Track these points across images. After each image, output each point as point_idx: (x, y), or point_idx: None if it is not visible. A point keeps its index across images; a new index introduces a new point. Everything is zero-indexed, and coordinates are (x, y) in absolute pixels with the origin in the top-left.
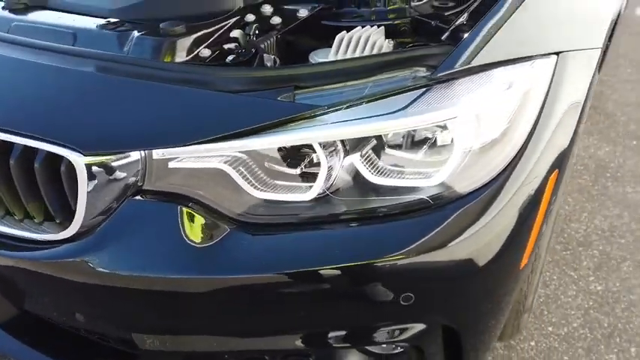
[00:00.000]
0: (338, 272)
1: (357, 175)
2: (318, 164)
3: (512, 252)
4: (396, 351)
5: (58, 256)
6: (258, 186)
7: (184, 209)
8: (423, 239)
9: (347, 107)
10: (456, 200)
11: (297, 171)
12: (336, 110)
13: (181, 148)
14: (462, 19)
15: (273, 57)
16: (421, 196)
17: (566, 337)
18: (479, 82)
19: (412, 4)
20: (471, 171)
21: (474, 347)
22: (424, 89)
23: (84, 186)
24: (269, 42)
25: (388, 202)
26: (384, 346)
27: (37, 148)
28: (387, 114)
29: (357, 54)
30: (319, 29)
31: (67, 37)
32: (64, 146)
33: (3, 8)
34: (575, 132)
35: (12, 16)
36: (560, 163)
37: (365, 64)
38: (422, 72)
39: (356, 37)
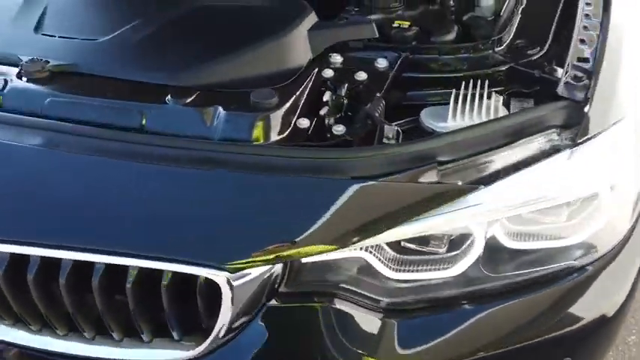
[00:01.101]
0: (501, 354)
1: (493, 244)
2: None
3: (633, 291)
4: None
5: None
6: (397, 267)
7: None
8: (580, 304)
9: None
10: (601, 258)
11: (443, 250)
12: (490, 186)
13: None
14: (570, 69)
15: (395, 128)
16: (569, 262)
17: None
18: (609, 144)
19: (496, 49)
20: (609, 227)
21: None
22: (567, 154)
23: (228, 302)
24: (381, 107)
25: (536, 271)
26: None
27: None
28: (542, 184)
29: (475, 113)
30: (404, 82)
31: (132, 116)
32: (199, 265)
33: (19, 77)
34: None
35: (38, 88)
36: None
37: (499, 130)
38: (556, 135)
39: (470, 94)
